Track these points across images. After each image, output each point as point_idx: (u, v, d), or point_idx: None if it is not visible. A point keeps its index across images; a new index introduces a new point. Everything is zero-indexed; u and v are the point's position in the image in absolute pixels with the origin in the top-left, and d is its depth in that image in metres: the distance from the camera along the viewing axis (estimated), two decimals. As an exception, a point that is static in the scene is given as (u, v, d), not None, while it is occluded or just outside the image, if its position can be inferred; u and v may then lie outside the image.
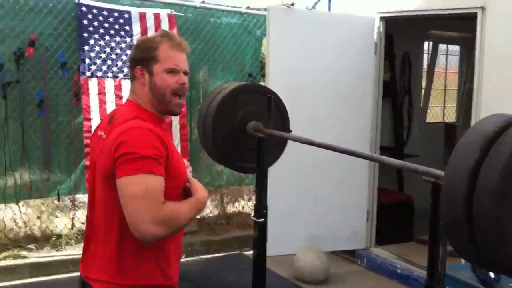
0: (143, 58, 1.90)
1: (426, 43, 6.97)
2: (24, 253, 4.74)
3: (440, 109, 7.86)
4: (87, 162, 4.84)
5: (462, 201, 1.37)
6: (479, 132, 1.42)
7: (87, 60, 4.77)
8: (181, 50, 1.92)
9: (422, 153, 6.09)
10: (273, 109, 2.55)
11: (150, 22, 5.01)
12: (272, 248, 4.54)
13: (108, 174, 1.77)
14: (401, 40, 6.19)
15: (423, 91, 6.98)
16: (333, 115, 4.82)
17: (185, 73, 1.94)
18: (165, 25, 5.06)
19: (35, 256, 4.74)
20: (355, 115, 4.94)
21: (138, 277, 1.82)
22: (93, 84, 4.80)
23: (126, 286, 1.82)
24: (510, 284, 3.36)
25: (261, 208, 2.64)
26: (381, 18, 4.93)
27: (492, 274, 3.31)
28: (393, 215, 5.41)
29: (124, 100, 4.89)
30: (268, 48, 4.59)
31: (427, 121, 7.12)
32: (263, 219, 2.65)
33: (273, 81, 4.47)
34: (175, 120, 5.12)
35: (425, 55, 7.01)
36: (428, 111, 7.30)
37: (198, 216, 5.62)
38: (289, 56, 4.60)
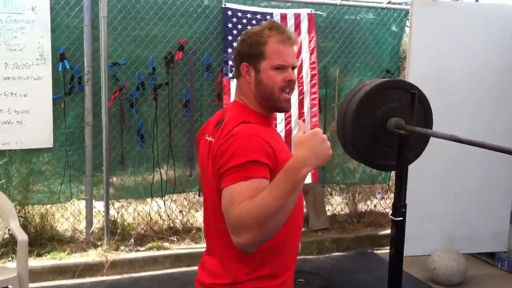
0: (249, 53, 1.78)
1: None
2: (166, 244, 5.01)
3: None
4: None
5: None
6: None
7: (230, 62, 4.99)
8: (290, 43, 1.79)
9: None
10: (416, 105, 2.49)
11: (291, 22, 5.14)
12: (407, 248, 4.44)
13: (214, 183, 1.68)
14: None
15: None
16: (479, 109, 4.59)
17: (293, 67, 1.81)
18: (304, 24, 5.17)
19: (176, 248, 4.99)
20: (504, 108, 4.66)
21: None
22: (234, 85, 5.01)
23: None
24: None
25: (399, 206, 2.59)
26: (535, 6, 4.61)
27: None
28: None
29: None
30: (410, 42, 4.48)
31: None
32: (401, 218, 2.59)
33: (413, 75, 4.36)
34: (308, 119, 5.18)
35: None
36: None
37: (328, 213, 5.70)
38: (432, 50, 4.45)
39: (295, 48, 1.84)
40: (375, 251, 5.27)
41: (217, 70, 5.13)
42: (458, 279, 4.44)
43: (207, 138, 1.83)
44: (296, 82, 1.81)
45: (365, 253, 5.26)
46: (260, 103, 1.80)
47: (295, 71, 1.82)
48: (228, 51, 5.00)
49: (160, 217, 5.30)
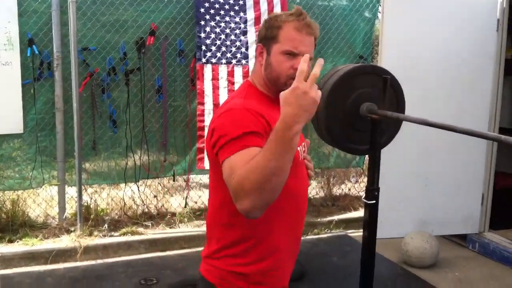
0: (265, 36, 1.81)
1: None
2: (141, 229, 5.01)
3: None
4: (200, 145, 5.06)
5: None
6: None
7: (203, 47, 4.96)
8: (307, 32, 1.78)
9: (545, 134, 5.72)
10: (388, 90, 2.51)
11: (264, 7, 5.12)
12: (380, 231, 4.49)
13: (211, 158, 1.75)
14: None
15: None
16: (449, 94, 4.66)
17: None
18: (277, 10, 5.14)
19: (151, 233, 5.00)
20: (473, 94, 4.75)
21: (243, 265, 1.78)
22: (207, 70, 4.99)
23: (234, 274, 1.78)
24: None
25: (372, 190, 2.62)
26: (506, -7, 4.69)
27: None
28: (510, 199, 5.19)
29: (236, 86, 5.04)
30: (382, 28, 4.52)
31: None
32: (374, 201, 2.62)
33: (386, 61, 4.41)
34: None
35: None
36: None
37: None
38: (404, 35, 4.50)
39: (313, 40, 1.82)
40: (350, 234, 5.35)
41: (190, 55, 5.10)
42: (430, 261, 4.53)
43: None
44: (307, 73, 1.72)
45: (340, 236, 5.34)
46: (267, 85, 1.83)
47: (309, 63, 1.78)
48: (201, 36, 4.97)
49: (134, 203, 5.29)
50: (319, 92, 1.49)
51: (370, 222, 2.70)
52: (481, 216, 4.96)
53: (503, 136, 1.77)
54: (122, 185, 5.25)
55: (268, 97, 1.84)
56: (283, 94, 1.46)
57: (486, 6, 4.69)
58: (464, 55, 4.65)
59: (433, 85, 4.61)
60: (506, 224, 5.08)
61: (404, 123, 2.51)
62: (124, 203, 5.23)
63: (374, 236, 2.77)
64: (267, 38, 1.81)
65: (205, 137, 1.87)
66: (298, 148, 1.85)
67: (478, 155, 4.81)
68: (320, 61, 1.48)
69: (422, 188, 4.71)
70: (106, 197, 5.25)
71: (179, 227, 5.17)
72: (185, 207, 5.40)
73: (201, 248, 5.04)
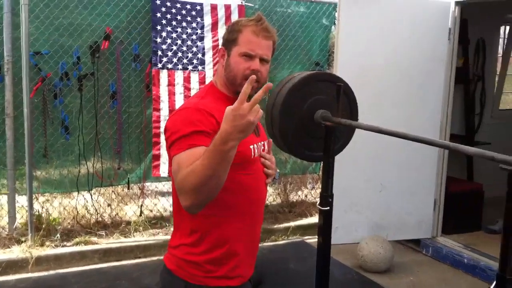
0: (227, 39, 1.94)
1: (502, 28, 6.72)
2: (94, 239, 4.90)
3: None
4: (155, 151, 4.98)
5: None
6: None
7: (159, 52, 4.91)
8: (264, 36, 1.92)
9: (494, 140, 5.93)
10: (341, 98, 2.53)
11: (221, 13, 5.09)
12: (336, 237, 4.55)
13: (169, 155, 1.84)
14: (476, 25, 6.01)
15: (497, 77, 6.74)
16: (403, 101, 4.76)
17: (262, 59, 1.93)
18: (235, 16, 5.13)
19: (105, 242, 4.90)
20: (426, 101, 4.86)
21: (193, 254, 1.90)
22: (163, 75, 4.94)
23: (185, 262, 1.89)
24: None
25: (326, 196, 2.63)
26: (457, 3, 4.82)
27: None
28: (461, 204, 5.31)
29: (193, 92, 5.00)
30: (338, 35, 4.58)
31: (500, 108, 6.88)
32: (328, 208, 2.63)
33: (341, 68, 4.49)
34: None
35: (501, 40, 6.76)
36: (502, 97, 7.07)
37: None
38: (359, 42, 4.57)
39: (270, 43, 1.97)
40: (307, 240, 5.36)
41: (145, 60, 5.03)
42: (385, 266, 4.59)
43: None
44: (262, 74, 1.94)
45: (297, 242, 5.35)
46: (227, 85, 1.94)
47: (265, 65, 1.95)
48: (157, 41, 4.91)
49: (88, 211, 5.17)
50: (260, 113, 1.59)
51: (324, 228, 2.70)
52: (434, 221, 5.06)
53: (451, 144, 1.80)
54: (75, 193, 5.13)
55: (227, 97, 1.94)
56: (227, 110, 1.57)
57: (439, 15, 4.80)
58: (417, 63, 4.75)
59: (387, 92, 4.68)
60: (458, 228, 5.20)
61: (359, 130, 2.52)
62: (77, 212, 5.10)
63: (328, 242, 2.77)
64: (228, 41, 1.93)
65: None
66: (252, 146, 1.96)
67: (430, 161, 4.92)
68: (268, 85, 1.61)
69: (376, 194, 4.78)
70: (58, 206, 5.11)
71: (134, 236, 5.08)
72: (140, 215, 5.31)
73: (156, 257, 4.96)
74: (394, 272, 4.64)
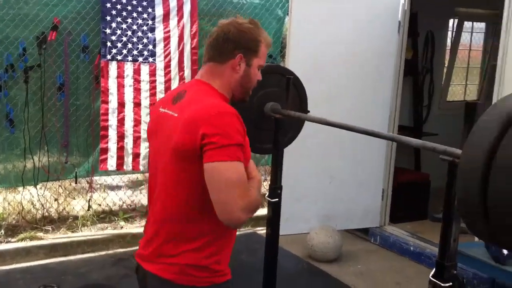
0: (248, 47, 1.91)
1: (451, 21, 6.88)
2: (40, 234, 4.80)
3: (462, 87, 7.79)
4: (103, 145, 4.90)
5: (478, 179, 1.36)
6: (499, 110, 1.39)
7: (108, 43, 4.82)
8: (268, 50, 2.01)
9: (441, 131, 6.07)
10: (291, 90, 2.57)
11: (173, 3, 5.02)
12: (287, 227, 4.60)
13: (185, 153, 1.75)
14: (426, 18, 6.12)
15: (445, 69, 6.91)
16: (353, 93, 4.81)
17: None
18: (187, 7, 5.07)
19: (51, 238, 4.80)
20: (375, 93, 4.93)
21: (201, 258, 1.83)
22: (112, 67, 4.86)
23: (188, 267, 1.83)
24: (522, 260, 3.38)
25: (275, 188, 2.67)
26: (407, -4, 4.91)
27: (505, 251, 3.33)
28: (409, 194, 5.44)
29: (143, 84, 4.94)
30: (290, 27, 4.60)
31: (448, 99, 7.07)
32: (277, 199, 2.67)
33: (293, 61, 4.49)
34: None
35: (449, 33, 6.92)
36: (450, 89, 7.24)
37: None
38: (310, 35, 4.59)
39: None
40: (258, 232, 5.38)
41: (94, 51, 4.91)
42: (334, 255, 4.67)
43: (163, 110, 1.92)
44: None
45: (249, 234, 5.34)
46: (233, 90, 1.93)
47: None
48: (106, 32, 4.82)
49: (34, 206, 5.05)
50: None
51: (273, 220, 2.75)
52: (382, 210, 5.16)
53: (395, 135, 1.86)
54: (20, 188, 4.99)
55: (227, 99, 1.93)
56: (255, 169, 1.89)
57: (389, 8, 4.89)
58: (367, 56, 4.82)
59: (339, 85, 4.74)
60: (405, 217, 5.34)
61: (308, 122, 2.57)
62: (22, 207, 4.96)
63: (277, 233, 2.82)
64: (249, 49, 1.91)
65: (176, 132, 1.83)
66: None
67: (379, 152, 5.02)
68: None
69: (326, 184, 4.84)
70: (2, 201, 4.98)
71: (81, 231, 4.99)
72: (88, 210, 5.21)
73: (105, 252, 4.88)
74: (343, 260, 4.72)
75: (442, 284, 1.74)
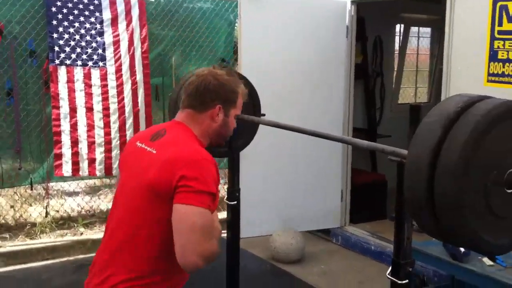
0: (227, 98, 2.01)
1: (398, 26, 7.03)
2: (-3, 242, 4.71)
3: (412, 90, 7.97)
4: (57, 151, 4.81)
5: (424, 179, 1.41)
6: (441, 112, 1.45)
7: (56, 48, 4.72)
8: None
9: (394, 133, 6.18)
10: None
11: (121, 8, 4.93)
12: (249, 230, 4.63)
13: (158, 190, 1.78)
14: (373, 23, 6.24)
15: (395, 72, 7.06)
16: (306, 97, 4.87)
17: None
18: (135, 11, 4.99)
19: (9, 245, 4.71)
20: (328, 97, 5.00)
21: None
22: (62, 72, 4.76)
23: None
24: (479, 257, 3.48)
25: (233, 191, 2.69)
26: (353, 2, 4.97)
27: (461, 249, 3.42)
28: (367, 195, 5.52)
29: (94, 89, 4.86)
30: (240, 32, 4.60)
31: (399, 102, 7.22)
32: (235, 202, 2.69)
33: (245, 65, 4.51)
34: (142, 109, 5.11)
35: (397, 38, 7.08)
36: (400, 92, 7.39)
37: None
38: (261, 40, 4.62)
39: None
40: (222, 235, 5.39)
41: (42, 56, 4.80)
42: (296, 256, 4.73)
43: (140, 145, 1.96)
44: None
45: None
46: (210, 137, 2.02)
47: None
48: (53, 36, 4.70)
49: (-11, 214, 4.95)
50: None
51: (233, 223, 2.77)
52: (342, 211, 5.24)
53: (346, 137, 1.90)
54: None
55: (204, 145, 1.99)
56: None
57: (336, 14, 4.95)
58: (318, 60, 4.89)
59: (290, 88, 4.80)
60: (365, 217, 5.41)
61: (267, 126, 2.57)
62: (-23, 215, 4.86)
63: (237, 235, 2.84)
64: (228, 100, 2.01)
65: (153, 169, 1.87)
66: None
67: (336, 154, 5.08)
68: None
69: (286, 187, 4.89)
70: (-46, 210, 4.86)
71: (40, 238, 4.91)
72: (46, 216, 5.12)
73: (66, 258, 4.82)
74: (306, 261, 4.78)
75: (399, 282, 1.78)
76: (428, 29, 7.60)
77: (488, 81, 3.65)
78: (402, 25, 7.01)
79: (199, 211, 1.71)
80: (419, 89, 7.95)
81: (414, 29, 7.30)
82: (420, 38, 7.64)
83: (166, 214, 1.75)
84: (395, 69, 7.08)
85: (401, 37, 7.06)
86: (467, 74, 3.80)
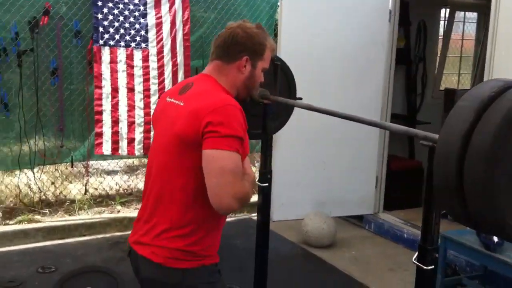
0: (254, 50, 2.01)
1: (443, 10, 6.87)
2: (38, 217, 4.85)
3: (456, 77, 7.80)
4: (98, 130, 4.92)
5: (454, 164, 1.39)
6: (475, 96, 1.43)
7: (101, 29, 4.82)
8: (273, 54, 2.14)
9: (434, 120, 6.08)
10: (279, 76, 2.59)
11: None
12: (281, 213, 4.64)
13: (188, 140, 1.83)
14: (418, 7, 6.12)
15: (438, 58, 6.89)
16: (344, 81, 4.83)
17: None
18: (180, -7, 5.05)
19: (49, 221, 4.85)
20: (367, 82, 4.94)
21: (192, 244, 1.90)
22: (105, 52, 4.86)
23: (178, 251, 1.89)
24: (513, 248, 3.41)
25: (265, 173, 2.71)
26: (397, -14, 4.90)
27: (495, 238, 3.36)
28: (403, 182, 5.46)
29: (136, 70, 4.94)
30: (281, 15, 4.61)
31: (441, 88, 7.04)
32: (267, 184, 2.71)
33: (284, 48, 4.50)
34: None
35: (442, 23, 6.91)
36: (444, 78, 7.23)
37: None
38: (302, 23, 4.61)
39: None
40: (253, 218, 5.43)
41: (87, 36, 4.92)
42: (328, 241, 4.72)
43: (170, 100, 2.00)
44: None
45: (243, 219, 5.39)
46: (238, 89, 2.04)
47: None
48: (98, 17, 4.81)
49: (31, 190, 5.09)
50: None
51: (263, 204, 2.79)
52: (376, 198, 5.20)
53: (378, 121, 1.89)
54: (17, 171, 5.03)
55: (231, 95, 2.00)
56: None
57: (379, -2, 4.90)
58: (359, 45, 4.84)
59: (330, 73, 4.76)
60: (398, 205, 5.35)
61: (302, 110, 2.58)
62: (20, 190, 5.01)
63: (267, 218, 2.86)
64: (255, 52, 2.02)
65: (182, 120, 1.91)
66: None
67: (372, 139, 5.04)
68: None
69: (320, 171, 4.88)
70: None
71: (78, 214, 5.05)
72: (85, 194, 5.26)
73: (102, 235, 4.94)
74: (337, 247, 4.77)
75: (425, 267, 1.78)
76: (474, 14, 7.39)
77: (532, 67, 3.56)
78: (447, 10, 6.80)
79: (227, 155, 1.76)
80: (463, 76, 7.76)
81: (459, 14, 7.11)
82: (465, 24, 7.46)
83: (197, 162, 1.80)
84: (438, 55, 6.90)
85: (445, 22, 6.88)
86: (511, 60, 3.70)
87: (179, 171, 1.88)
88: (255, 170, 6.09)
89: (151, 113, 4.95)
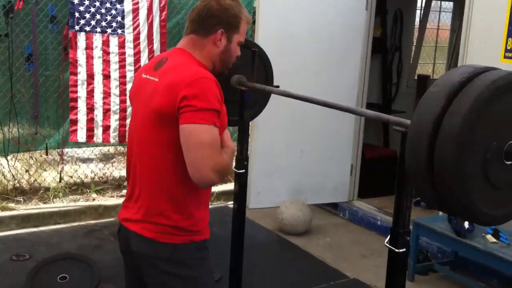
0: (229, 23, 1.99)
1: (419, 0, 6.94)
2: (12, 205, 4.81)
3: (430, 66, 7.89)
4: (73, 116, 4.88)
5: (425, 148, 1.43)
6: (446, 82, 1.46)
7: (76, 14, 4.76)
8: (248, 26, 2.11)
9: (408, 109, 6.14)
10: (256, 63, 2.60)
11: None
12: (257, 201, 4.66)
13: (164, 115, 1.83)
14: (394, -4, 6.16)
15: (414, 47, 6.98)
16: (322, 69, 4.85)
17: None
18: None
19: (23, 208, 4.81)
20: (343, 70, 4.97)
21: (180, 220, 1.91)
22: (81, 38, 4.81)
23: (168, 227, 1.90)
24: (482, 234, 3.50)
25: (242, 159, 2.72)
26: (374, -27, 4.92)
27: (466, 225, 3.44)
28: (377, 170, 5.50)
29: (112, 56, 4.90)
30: (259, 2, 4.61)
31: (416, 78, 7.14)
32: (243, 170, 2.73)
33: (262, 35, 4.53)
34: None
35: (418, 12, 6.98)
36: (419, 67, 7.30)
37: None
38: (279, 10, 4.61)
39: None
40: (229, 206, 5.45)
41: (63, 22, 4.86)
42: (303, 228, 4.77)
43: (145, 76, 1.99)
44: None
45: (220, 207, 5.41)
46: (214, 63, 2.02)
47: None
48: (74, 2, 4.74)
49: (4, 177, 5.04)
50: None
51: (240, 192, 2.81)
52: (350, 186, 5.28)
53: (351, 107, 1.91)
54: (-10, 158, 4.98)
55: (207, 68, 1.98)
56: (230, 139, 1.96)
57: (356, -15, 4.91)
58: (336, 33, 4.86)
59: (307, 60, 4.78)
60: (373, 193, 5.43)
61: (280, 96, 2.60)
62: (-8, 177, 4.96)
63: (243, 205, 2.88)
64: (231, 25, 2.00)
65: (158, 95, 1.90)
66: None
67: (348, 127, 5.09)
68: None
69: (296, 159, 4.92)
70: (-29, 172, 4.96)
71: (53, 202, 5.01)
72: (60, 181, 5.22)
73: (77, 223, 4.90)
74: (312, 234, 4.83)
75: (397, 250, 1.81)
76: (450, 4, 7.49)
77: (505, 57, 3.63)
78: (424, -1, 6.88)
79: (204, 128, 1.76)
80: (438, 65, 7.85)
81: (436, 3, 7.19)
82: (441, 13, 7.54)
83: (175, 137, 1.80)
84: (414, 44, 6.98)
85: (422, 11, 6.95)
86: (484, 50, 3.76)
87: (159, 146, 1.88)
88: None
89: (127, 101, 4.93)
